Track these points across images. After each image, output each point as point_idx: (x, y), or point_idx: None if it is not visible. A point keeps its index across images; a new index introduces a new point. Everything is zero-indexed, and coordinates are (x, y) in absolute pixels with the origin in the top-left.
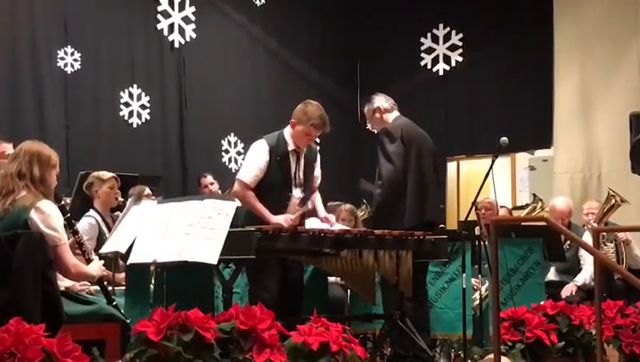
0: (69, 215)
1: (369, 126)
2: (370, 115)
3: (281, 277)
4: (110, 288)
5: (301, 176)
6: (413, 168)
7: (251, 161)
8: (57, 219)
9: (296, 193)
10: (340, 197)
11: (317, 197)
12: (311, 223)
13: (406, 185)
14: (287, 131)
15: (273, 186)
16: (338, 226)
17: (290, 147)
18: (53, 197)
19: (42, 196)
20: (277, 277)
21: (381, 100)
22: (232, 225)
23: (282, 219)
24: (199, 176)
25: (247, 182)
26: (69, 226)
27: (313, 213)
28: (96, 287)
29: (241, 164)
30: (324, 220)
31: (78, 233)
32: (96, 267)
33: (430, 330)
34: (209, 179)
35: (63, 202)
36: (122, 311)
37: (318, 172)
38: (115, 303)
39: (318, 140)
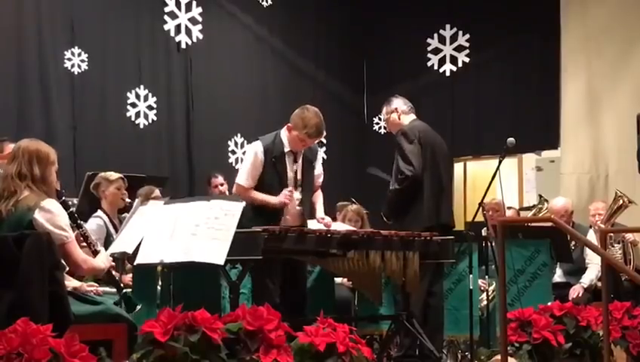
0: (71, 209)
1: (378, 126)
2: (387, 116)
3: (285, 280)
4: None
5: (299, 176)
6: (430, 170)
7: (247, 163)
8: (62, 217)
9: (295, 194)
10: (345, 197)
11: (318, 197)
12: (311, 224)
13: (422, 184)
14: (284, 132)
15: (270, 187)
16: (343, 227)
17: (287, 148)
18: (55, 194)
19: (45, 195)
20: (278, 280)
21: (399, 102)
22: (240, 226)
23: (282, 196)
24: (209, 176)
25: (244, 185)
26: (73, 220)
27: (312, 212)
28: (104, 288)
29: None
30: (320, 221)
31: (82, 226)
32: (104, 259)
33: (444, 331)
34: (219, 179)
35: (63, 198)
36: (131, 302)
37: (319, 170)
38: (124, 291)
39: (324, 140)
